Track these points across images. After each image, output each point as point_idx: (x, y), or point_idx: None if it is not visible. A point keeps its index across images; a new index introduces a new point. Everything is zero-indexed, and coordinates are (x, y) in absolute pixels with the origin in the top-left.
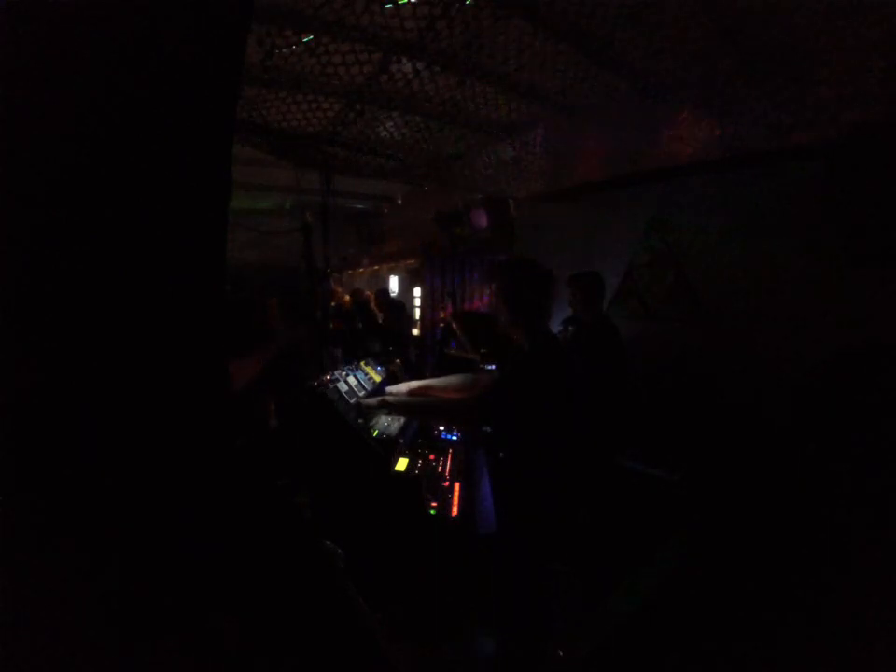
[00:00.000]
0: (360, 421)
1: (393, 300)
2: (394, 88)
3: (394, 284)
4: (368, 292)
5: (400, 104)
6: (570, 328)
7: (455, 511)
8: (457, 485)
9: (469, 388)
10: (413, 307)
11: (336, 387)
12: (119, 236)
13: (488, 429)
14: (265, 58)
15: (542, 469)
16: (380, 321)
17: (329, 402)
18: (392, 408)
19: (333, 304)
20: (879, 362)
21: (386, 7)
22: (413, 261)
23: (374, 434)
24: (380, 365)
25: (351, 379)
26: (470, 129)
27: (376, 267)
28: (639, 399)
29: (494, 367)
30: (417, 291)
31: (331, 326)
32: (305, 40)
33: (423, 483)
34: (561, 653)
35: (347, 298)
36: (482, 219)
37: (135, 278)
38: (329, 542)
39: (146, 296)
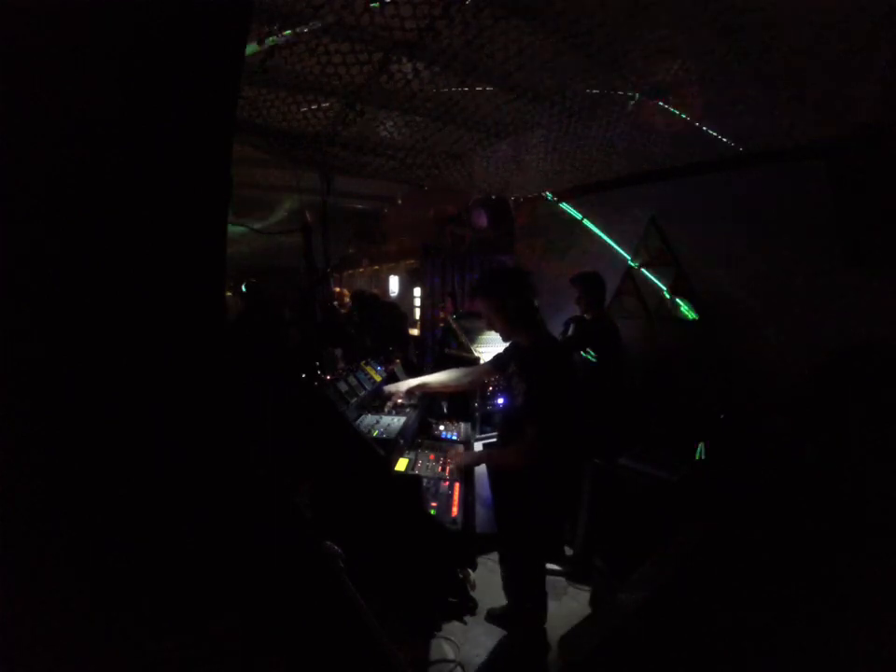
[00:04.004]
0: (371, 414)
1: (377, 300)
2: (394, 88)
3: (394, 284)
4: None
5: (400, 104)
6: (571, 325)
7: (454, 511)
8: (457, 485)
9: (464, 378)
10: (413, 307)
11: (336, 387)
12: (119, 236)
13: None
14: (265, 58)
15: (555, 455)
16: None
17: (330, 402)
18: (421, 388)
19: (336, 303)
20: (878, 361)
21: (374, 4)
22: (412, 261)
23: (374, 434)
24: (380, 365)
25: (351, 379)
26: (470, 129)
27: (376, 267)
28: (636, 397)
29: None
30: (417, 291)
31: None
32: (287, 32)
33: (423, 483)
34: (563, 651)
35: (346, 296)
36: (482, 219)
37: (136, 277)
38: (328, 542)
39: (145, 294)
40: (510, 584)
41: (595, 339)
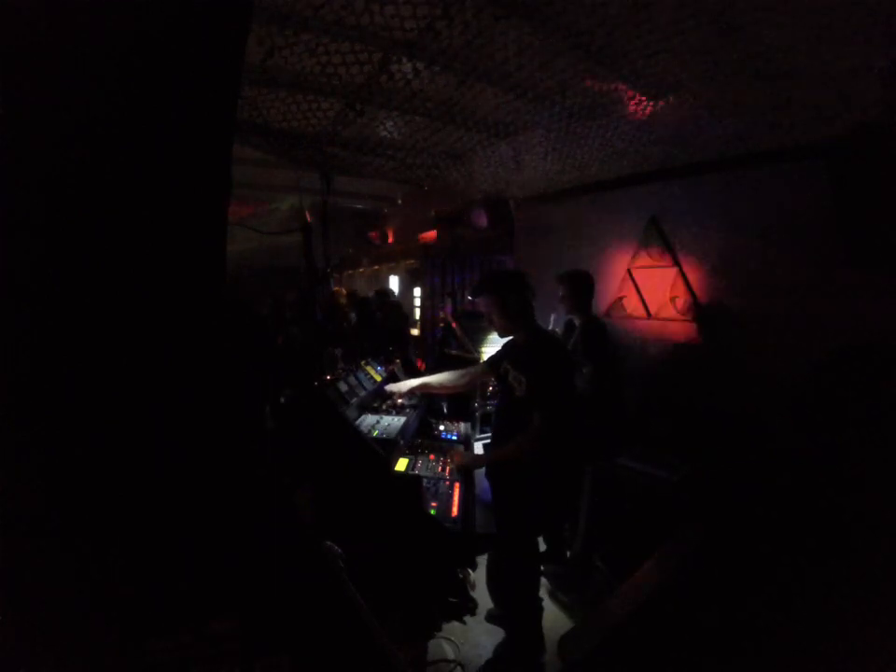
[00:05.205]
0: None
1: (385, 296)
2: (394, 88)
3: (394, 284)
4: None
5: (400, 104)
6: (558, 329)
7: (454, 511)
8: (457, 485)
9: (460, 378)
10: (413, 307)
11: (336, 387)
12: (120, 236)
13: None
14: (265, 58)
15: (556, 449)
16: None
17: (330, 402)
18: (422, 388)
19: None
20: (878, 361)
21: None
22: (413, 261)
23: (374, 434)
24: (380, 365)
25: (351, 379)
26: (470, 129)
27: (376, 267)
28: (635, 397)
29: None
30: (417, 291)
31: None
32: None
33: (423, 483)
34: (562, 651)
35: (344, 295)
36: (482, 219)
37: (136, 277)
38: (328, 542)
39: (145, 294)
40: (497, 584)
41: (590, 341)
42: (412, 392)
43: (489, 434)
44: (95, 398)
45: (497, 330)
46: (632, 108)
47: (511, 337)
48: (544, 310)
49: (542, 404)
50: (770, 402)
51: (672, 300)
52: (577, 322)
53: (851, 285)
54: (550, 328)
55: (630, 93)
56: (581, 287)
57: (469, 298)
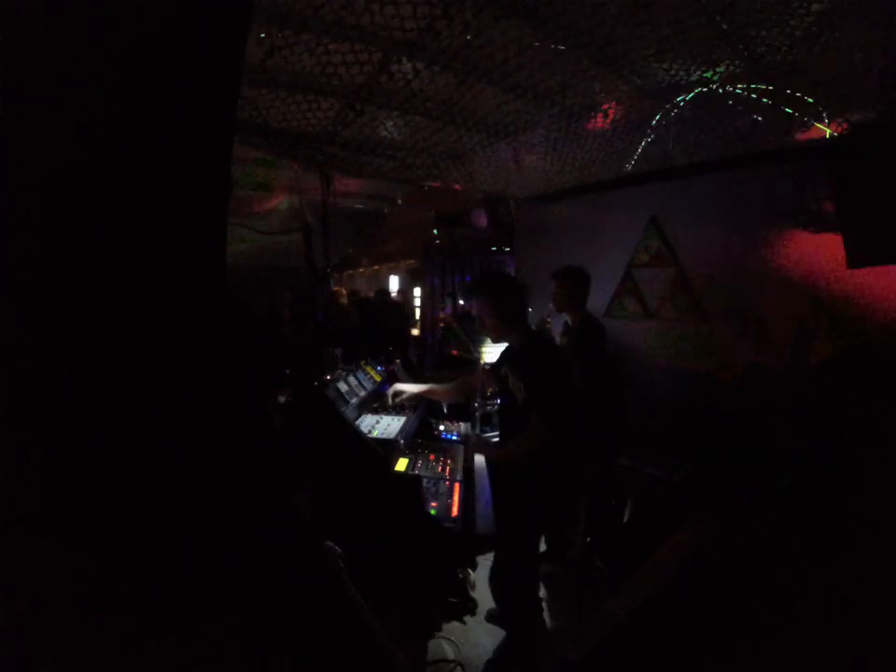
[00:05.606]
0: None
1: (386, 296)
2: (394, 88)
3: (394, 284)
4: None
5: (400, 104)
6: (552, 324)
7: (454, 511)
8: (457, 485)
9: (462, 386)
10: (413, 307)
11: (336, 387)
12: (119, 236)
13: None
14: (265, 58)
15: (557, 450)
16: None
17: (330, 402)
18: (428, 394)
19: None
20: (878, 361)
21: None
22: (412, 261)
23: (374, 434)
24: (380, 365)
25: (351, 379)
26: (470, 129)
27: (376, 267)
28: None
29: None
30: (417, 291)
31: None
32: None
33: (423, 483)
34: (562, 651)
35: (344, 295)
36: (482, 219)
37: (136, 277)
38: (328, 542)
39: (145, 295)
40: (498, 584)
41: (588, 340)
42: (418, 397)
43: (489, 434)
44: (95, 398)
45: (489, 334)
46: (631, 109)
47: (506, 344)
48: (544, 311)
49: (541, 408)
50: (770, 402)
51: (672, 299)
52: (569, 321)
53: (851, 284)
54: (545, 314)
55: (629, 94)
56: (575, 283)
57: (461, 302)
